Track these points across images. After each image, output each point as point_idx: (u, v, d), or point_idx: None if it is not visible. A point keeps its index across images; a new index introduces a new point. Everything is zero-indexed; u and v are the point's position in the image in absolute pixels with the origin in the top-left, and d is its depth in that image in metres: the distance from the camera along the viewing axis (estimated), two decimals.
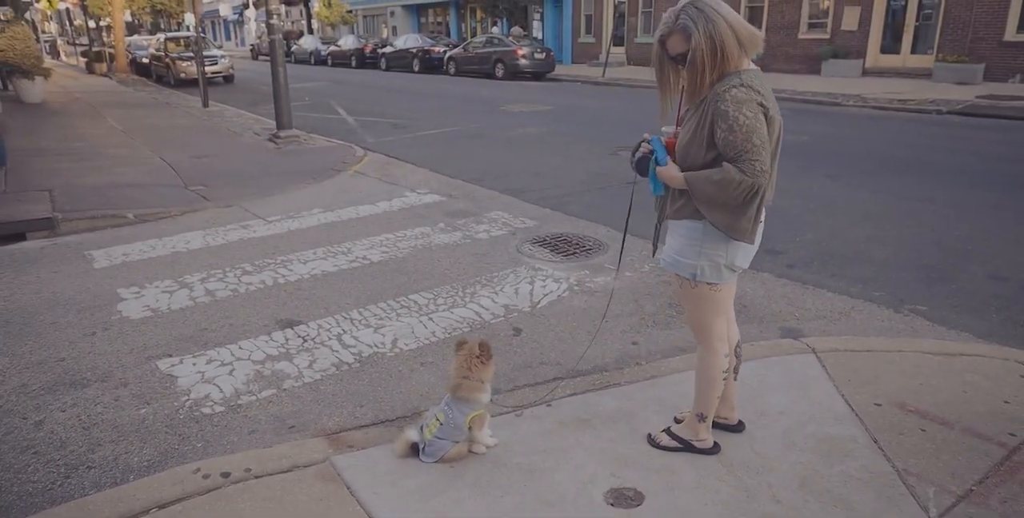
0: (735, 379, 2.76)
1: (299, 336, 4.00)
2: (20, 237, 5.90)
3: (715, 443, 2.72)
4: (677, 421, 2.86)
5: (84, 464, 2.85)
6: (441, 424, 2.65)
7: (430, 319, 4.21)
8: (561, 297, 4.50)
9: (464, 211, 6.56)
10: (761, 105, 2.17)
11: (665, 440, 2.74)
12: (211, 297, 4.58)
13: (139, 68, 25.69)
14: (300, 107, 14.04)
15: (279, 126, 10.67)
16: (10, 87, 15.97)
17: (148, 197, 7.08)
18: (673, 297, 4.45)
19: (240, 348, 3.86)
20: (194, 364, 3.68)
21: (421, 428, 2.73)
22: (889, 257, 5.13)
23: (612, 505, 2.43)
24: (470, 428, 2.68)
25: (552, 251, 5.39)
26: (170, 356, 3.77)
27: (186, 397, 3.36)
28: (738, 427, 2.84)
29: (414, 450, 2.72)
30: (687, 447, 2.70)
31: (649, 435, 2.79)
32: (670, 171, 2.34)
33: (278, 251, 5.48)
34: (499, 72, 21.97)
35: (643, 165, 2.45)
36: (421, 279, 4.85)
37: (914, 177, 7.47)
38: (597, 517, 2.36)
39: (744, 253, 2.40)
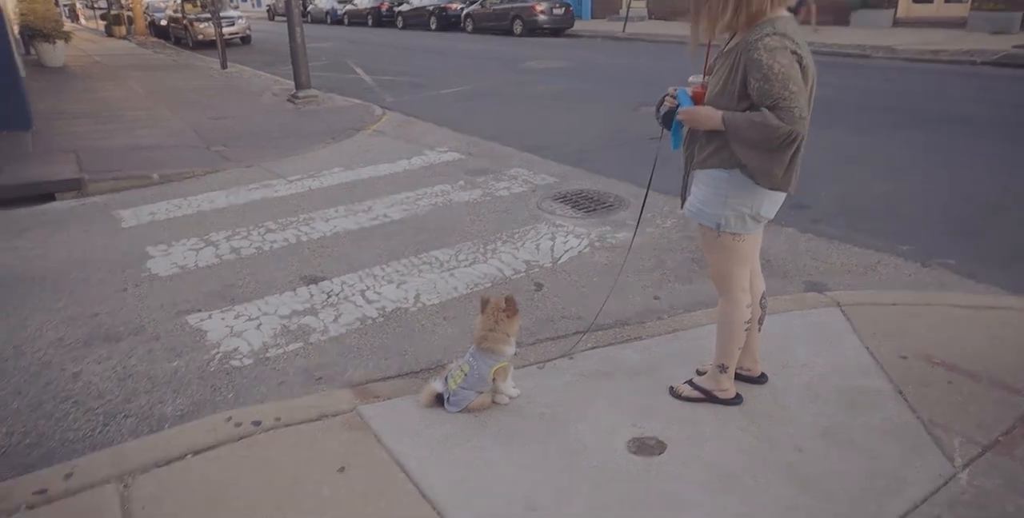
0: (759, 331, 2.73)
1: (323, 292, 4.03)
2: (49, 197, 5.96)
3: (737, 394, 2.72)
4: (699, 373, 2.86)
5: (121, 413, 2.92)
6: (466, 375, 2.67)
7: (452, 275, 4.21)
8: (582, 253, 4.48)
9: (484, 169, 6.50)
10: (795, 53, 2.09)
11: (686, 391, 2.75)
12: (236, 255, 4.63)
13: (158, 30, 25.48)
14: (317, 67, 13.87)
15: (297, 86, 10.57)
16: (32, 51, 15.95)
17: (171, 158, 7.10)
18: (696, 252, 4.40)
19: (266, 303, 3.90)
20: (222, 319, 3.73)
21: (446, 379, 2.75)
22: (917, 211, 5.00)
23: (635, 454, 2.45)
24: (494, 379, 2.70)
25: (573, 207, 5.35)
26: (199, 311, 3.82)
27: (216, 350, 3.42)
28: (760, 379, 2.83)
29: (439, 401, 2.75)
30: (709, 397, 2.71)
31: (671, 387, 2.81)
32: (705, 111, 2.24)
33: (300, 210, 5.49)
34: (517, 29, 21.45)
35: (669, 119, 2.40)
36: (442, 236, 4.84)
37: (945, 130, 7.22)
38: (620, 465, 2.39)
39: (770, 203, 2.35)
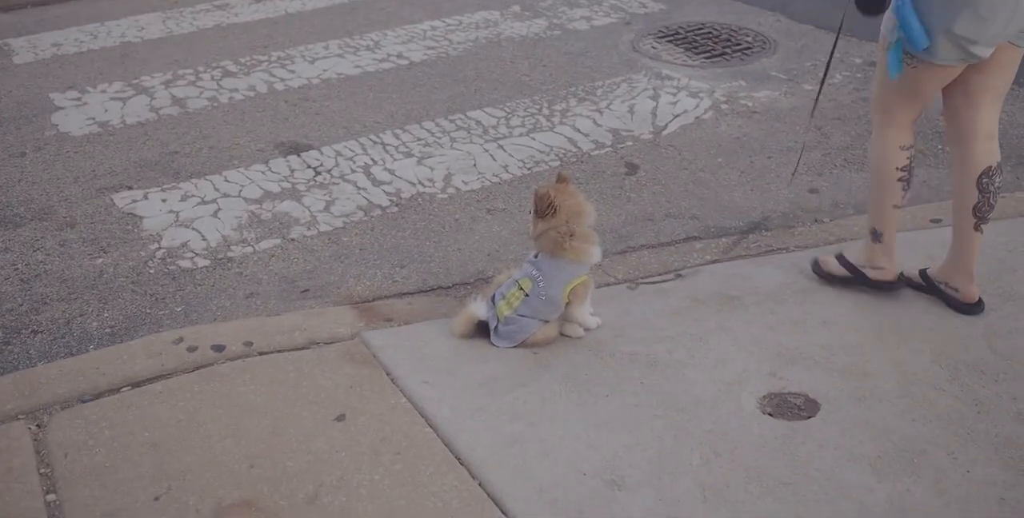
0: (980, 232, 2.77)
1: (309, 166, 4.06)
2: None
3: (898, 278, 2.91)
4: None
5: (27, 327, 3.05)
6: (526, 295, 2.69)
7: (500, 147, 4.19)
8: (700, 119, 4.40)
9: None
10: None
11: (832, 265, 3.00)
12: (180, 108, 4.65)
13: None
14: None
15: None
16: None
17: None
18: None
19: (226, 181, 3.95)
20: (164, 201, 3.80)
21: (493, 300, 2.78)
22: None
23: (771, 415, 2.46)
24: (568, 303, 2.72)
25: (688, 50, 5.23)
26: (130, 188, 3.90)
27: (156, 245, 3.50)
28: (974, 307, 2.82)
29: (480, 330, 2.79)
30: (858, 276, 2.93)
31: (815, 261, 3.05)
32: None
33: (272, 43, 5.46)
34: None
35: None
36: (486, 89, 4.78)
37: None
38: (749, 430, 2.40)
39: (969, 18, 2.36)
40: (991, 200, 2.70)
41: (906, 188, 2.82)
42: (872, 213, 2.89)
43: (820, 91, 3.13)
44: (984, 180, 2.68)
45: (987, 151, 2.68)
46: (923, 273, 2.93)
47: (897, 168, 2.78)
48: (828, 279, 3.00)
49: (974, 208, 2.71)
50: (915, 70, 2.57)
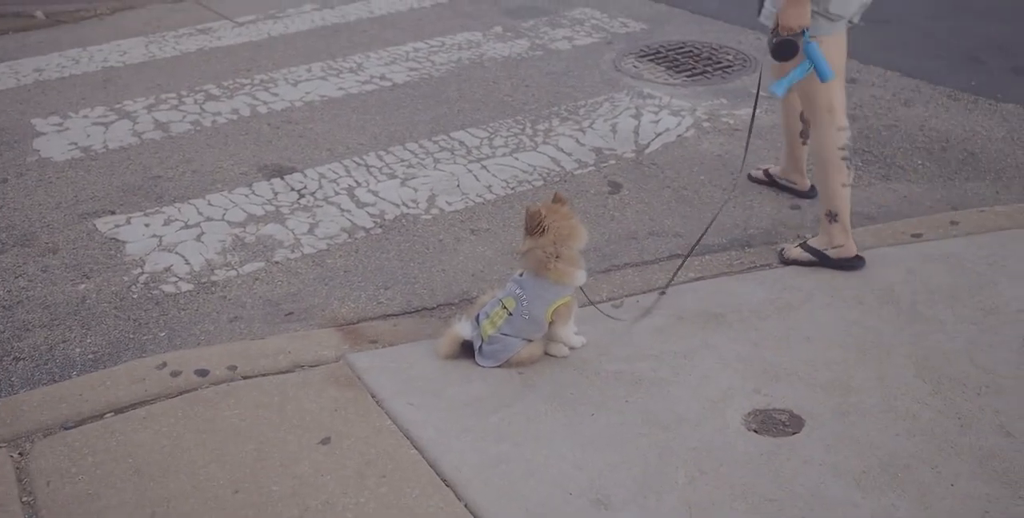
0: (805, 144, 3.55)
1: (292, 189, 4.07)
2: None
3: (858, 256, 3.18)
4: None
5: (9, 354, 3.05)
6: (510, 314, 2.70)
7: (483, 167, 4.21)
8: (683, 137, 4.42)
9: (533, 7, 6.40)
10: None
11: (797, 254, 3.27)
12: (163, 132, 4.66)
13: None
14: None
15: None
16: None
17: None
18: (858, 136, 4.30)
19: (209, 204, 3.96)
20: (147, 225, 3.81)
21: (477, 320, 2.79)
22: None
23: (756, 432, 2.47)
24: (551, 322, 2.72)
25: (669, 69, 5.27)
26: (112, 213, 3.90)
27: (139, 270, 3.50)
28: (810, 193, 3.76)
29: (465, 350, 2.80)
30: (821, 258, 3.21)
31: (780, 250, 3.34)
32: None
33: (256, 67, 5.48)
34: None
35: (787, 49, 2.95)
36: (469, 109, 4.81)
37: None
38: (733, 447, 2.41)
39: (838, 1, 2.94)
40: (808, 128, 3.35)
41: (850, 166, 3.16)
42: (823, 196, 3.22)
43: (749, 139, 3.36)
44: (805, 115, 3.38)
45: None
46: (767, 172, 3.92)
47: (839, 148, 3.12)
48: (793, 265, 3.28)
49: (800, 132, 3.58)
50: (821, 44, 2.96)
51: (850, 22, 3.11)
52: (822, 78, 2.97)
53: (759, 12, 3.26)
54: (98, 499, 2.28)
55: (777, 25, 2.95)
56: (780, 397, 2.60)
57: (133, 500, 2.27)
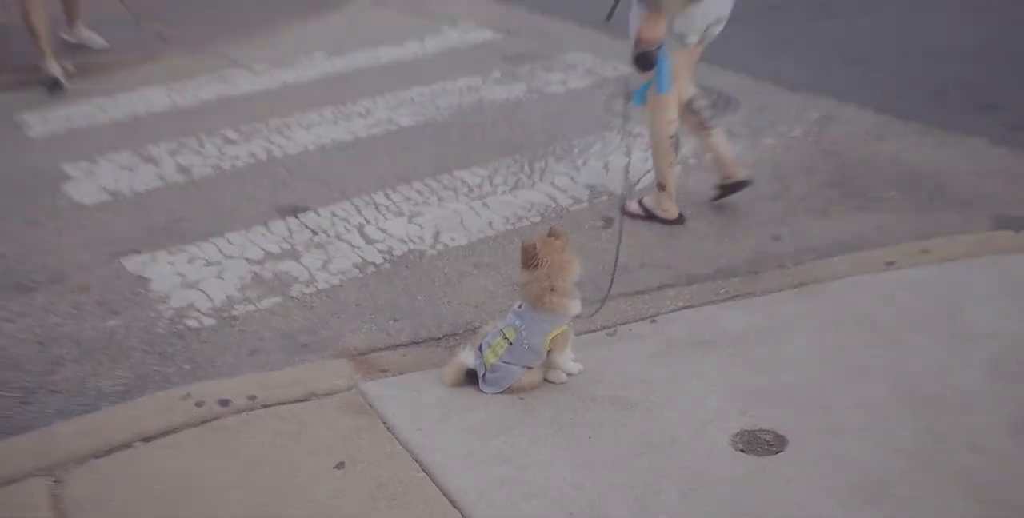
0: (710, 135, 3.93)
1: (307, 227, 4.12)
2: None
3: (680, 215, 3.90)
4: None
5: (44, 387, 3.09)
6: (510, 344, 2.74)
7: (484, 205, 4.26)
8: None
9: (529, 53, 6.45)
10: None
11: (633, 207, 3.97)
12: (185, 175, 4.72)
13: None
14: None
15: None
16: None
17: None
18: (836, 174, 4.35)
19: (229, 243, 4.01)
20: (171, 263, 3.86)
21: (480, 349, 2.82)
22: None
23: (743, 451, 2.50)
24: (549, 351, 2.76)
25: None
26: (138, 253, 3.95)
27: (164, 305, 3.55)
28: (740, 185, 3.95)
29: (470, 378, 2.83)
30: (650, 216, 3.93)
31: (623, 204, 3.85)
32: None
33: (271, 113, 5.54)
34: None
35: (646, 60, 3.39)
36: (471, 150, 4.86)
37: None
38: (722, 466, 2.44)
39: (683, 20, 3.45)
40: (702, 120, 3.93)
41: (676, 150, 3.85)
42: (657, 172, 3.90)
43: (619, 246, 3.24)
44: (692, 105, 3.87)
45: (685, 89, 3.85)
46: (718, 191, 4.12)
47: (669, 136, 3.77)
48: (631, 217, 3.90)
49: (699, 132, 3.97)
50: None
51: (700, 39, 3.63)
52: (659, 90, 3.47)
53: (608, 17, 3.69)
54: None
55: (638, 39, 3.33)
56: (765, 418, 2.62)
57: None
